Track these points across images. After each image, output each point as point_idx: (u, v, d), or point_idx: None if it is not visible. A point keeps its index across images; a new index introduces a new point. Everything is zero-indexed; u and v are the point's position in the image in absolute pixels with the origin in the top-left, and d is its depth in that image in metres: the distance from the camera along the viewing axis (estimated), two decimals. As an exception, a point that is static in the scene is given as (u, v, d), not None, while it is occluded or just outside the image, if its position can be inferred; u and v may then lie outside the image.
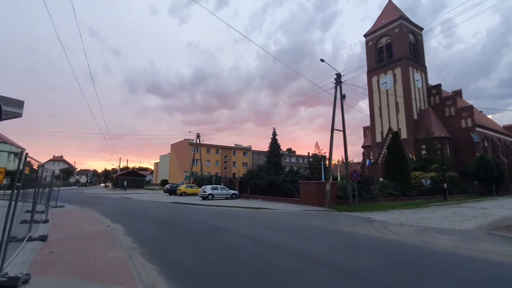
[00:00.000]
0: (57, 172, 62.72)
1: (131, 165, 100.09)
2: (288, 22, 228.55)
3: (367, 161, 54.08)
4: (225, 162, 66.53)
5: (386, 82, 53.10)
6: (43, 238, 7.06)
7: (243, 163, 70.43)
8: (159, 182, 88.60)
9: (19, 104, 14.18)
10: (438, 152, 39.61)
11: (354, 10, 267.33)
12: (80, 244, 7.05)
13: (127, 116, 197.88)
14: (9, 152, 41.61)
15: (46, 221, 10.02)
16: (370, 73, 56.30)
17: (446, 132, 46.94)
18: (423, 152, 42.93)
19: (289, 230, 9.80)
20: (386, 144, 50.34)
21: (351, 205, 19.12)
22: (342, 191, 20.00)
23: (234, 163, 68.41)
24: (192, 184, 34.42)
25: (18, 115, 14.18)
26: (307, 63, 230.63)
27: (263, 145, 73.89)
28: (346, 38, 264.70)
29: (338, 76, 20.70)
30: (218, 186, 26.51)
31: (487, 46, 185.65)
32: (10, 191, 4.49)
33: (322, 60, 19.69)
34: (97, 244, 7.03)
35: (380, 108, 54.03)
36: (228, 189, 26.87)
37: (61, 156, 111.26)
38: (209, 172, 54.42)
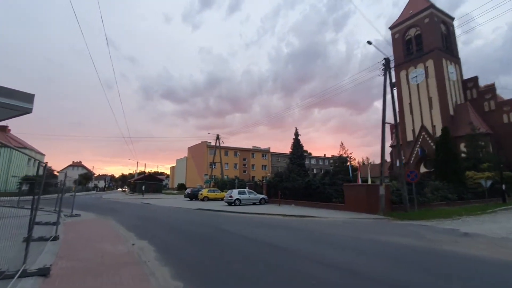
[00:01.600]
0: (76, 177, 62.45)
1: (147, 170, 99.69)
2: (300, 23, 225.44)
3: (397, 161, 50.32)
4: (244, 165, 64.21)
5: (416, 76, 49.38)
6: (44, 272, 4.79)
7: (262, 165, 67.91)
8: (175, 186, 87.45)
9: (29, 98, 12.32)
10: (482, 149, 35.67)
11: (368, 9, 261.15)
12: (97, 281, 4.73)
13: (142, 122, 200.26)
14: (30, 157, 41.07)
15: (55, 238, 7.84)
16: (398, 67, 52.61)
17: (487, 127, 42.79)
18: (463, 150, 39.03)
19: (377, 253, 7.13)
20: (419, 142, 46.67)
21: (407, 212, 16.19)
22: (396, 195, 17.09)
23: (253, 165, 66.01)
24: (214, 188, 32.21)
25: (28, 111, 12.31)
26: (320, 64, 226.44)
27: (279, 148, 71.38)
28: (360, 37, 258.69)
29: (387, 61, 17.91)
30: (246, 190, 24.09)
31: (508, 42, 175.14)
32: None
33: (369, 43, 16.99)
34: (122, 282, 4.68)
35: (410, 104, 50.32)
36: (256, 193, 24.39)
37: (80, 162, 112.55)
38: (227, 176, 52.22)
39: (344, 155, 47.74)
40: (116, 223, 12.52)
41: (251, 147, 68.77)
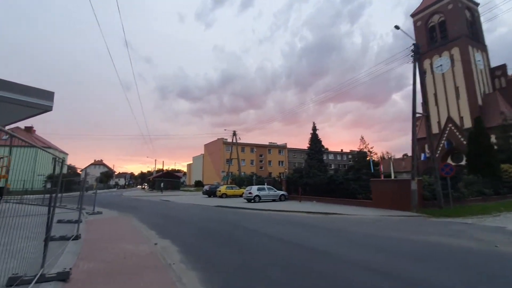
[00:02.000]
0: (97, 175, 64.52)
1: (165, 167, 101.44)
2: (314, 17, 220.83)
3: (422, 155, 48.08)
4: (261, 161, 63.67)
5: (441, 65, 46.78)
6: (63, 277, 4.38)
7: (279, 161, 67.08)
8: (192, 183, 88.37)
9: (49, 95, 12.23)
10: (512, 140, 33.29)
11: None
12: (119, 285, 4.27)
13: (159, 121, 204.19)
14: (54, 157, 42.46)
15: (76, 237, 7.55)
16: (421, 55, 50.03)
17: (518, 117, 39.85)
18: (493, 141, 36.57)
19: (436, 258, 6.11)
20: (446, 134, 44.20)
21: (442, 208, 15.02)
22: (428, 190, 15.91)
23: (269, 161, 65.34)
24: (233, 185, 31.87)
25: (48, 108, 12.24)
26: (335, 57, 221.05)
27: (294, 143, 70.10)
28: (377, 29, 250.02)
29: (416, 47, 16.67)
30: (265, 186, 23.51)
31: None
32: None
33: (396, 27, 15.81)
34: (146, 287, 4.20)
35: (435, 94, 47.81)
36: (275, 190, 23.74)
37: (101, 160, 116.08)
38: (244, 172, 51.89)
39: (365, 150, 46.07)
40: (137, 220, 12.28)
41: (267, 143, 68.05)
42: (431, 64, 48.72)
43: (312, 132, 45.96)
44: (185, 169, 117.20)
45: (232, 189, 30.77)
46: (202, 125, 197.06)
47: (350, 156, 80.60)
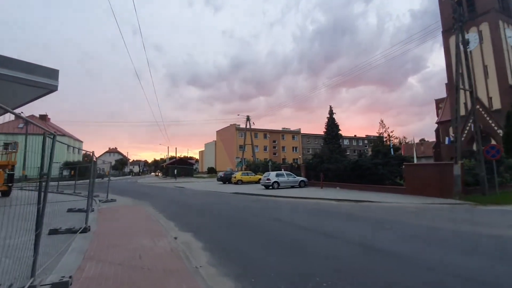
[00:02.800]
0: (112, 162, 64.53)
1: (177, 154, 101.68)
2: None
3: (446, 139, 45.35)
4: (274, 147, 62.36)
5: (469, 42, 43.20)
6: (63, 286, 3.30)
7: (293, 147, 65.56)
8: (205, 170, 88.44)
9: (53, 73, 11.16)
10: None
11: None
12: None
13: (170, 109, 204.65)
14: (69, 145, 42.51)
15: (85, 230, 6.57)
16: (447, 32, 46.34)
17: (554, 98, 36.57)
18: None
19: None
20: (473, 116, 41.37)
21: (486, 195, 13.44)
22: (470, 175, 14.29)
23: (283, 147, 63.93)
24: (248, 171, 30.86)
25: (53, 88, 11.22)
26: (348, 40, 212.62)
27: (306, 130, 67.83)
28: (392, 9, 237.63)
29: (458, 13, 14.57)
30: (284, 172, 22.32)
31: None
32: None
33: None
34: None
35: (461, 74, 44.42)
36: (295, 176, 22.52)
37: (115, 148, 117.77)
38: (258, 158, 50.81)
39: (384, 134, 43.93)
40: (153, 209, 11.36)
41: (280, 129, 66.46)
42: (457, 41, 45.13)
43: (328, 116, 44.09)
44: (197, 156, 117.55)
45: (248, 175, 29.77)
46: (213, 112, 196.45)
47: (366, 141, 78.12)
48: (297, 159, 61.28)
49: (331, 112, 44.12)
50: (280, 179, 21.53)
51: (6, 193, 13.95)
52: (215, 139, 74.71)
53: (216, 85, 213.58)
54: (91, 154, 9.47)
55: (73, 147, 51.06)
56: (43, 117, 51.40)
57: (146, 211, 10.68)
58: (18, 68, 9.53)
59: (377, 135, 40.69)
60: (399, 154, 31.69)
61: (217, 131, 69.42)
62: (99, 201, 12.97)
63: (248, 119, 40.88)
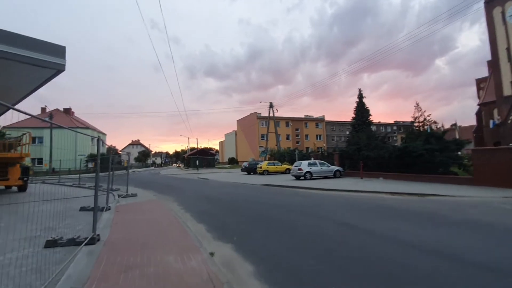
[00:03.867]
0: (135, 154, 65.74)
1: (199, 145, 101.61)
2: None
3: (491, 122, 40.85)
4: (297, 136, 59.80)
5: (517, 13, 37.80)
6: None
7: (317, 135, 62.64)
8: (225, 160, 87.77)
9: (60, 51, 9.64)
10: None
11: None
12: None
13: (189, 102, 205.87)
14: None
15: (92, 241, 4.94)
16: (490, 3, 41.01)
17: None
18: None
19: None
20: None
21: None
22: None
23: (306, 136, 61.21)
24: (274, 161, 28.95)
25: (61, 68, 9.74)
26: (370, 22, 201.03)
27: (327, 117, 63.84)
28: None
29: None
30: (317, 161, 20.17)
31: None
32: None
33: None
34: None
35: (508, 49, 39.26)
36: (329, 165, 20.31)
37: (138, 140, 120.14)
38: (281, 147, 48.69)
39: (420, 118, 40.06)
40: (178, 206, 9.77)
41: (303, 116, 63.59)
42: (502, 13, 39.79)
43: (357, 100, 40.85)
44: (216, 147, 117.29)
45: (274, 165, 27.86)
46: (231, 103, 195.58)
47: (394, 128, 73.47)
48: (321, 147, 58.50)
49: (360, 96, 40.79)
50: (313, 169, 19.43)
51: (22, 188, 13.03)
52: (236, 129, 73.21)
53: (233, 76, 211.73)
54: (100, 141, 7.92)
55: (97, 139, 51.49)
56: (67, 111, 52.11)
57: (170, 208, 9.08)
58: (20, 44, 7.99)
59: (412, 119, 36.86)
60: (455, 138, 28.31)
61: (237, 121, 67.77)
62: (118, 196, 11.62)
63: (271, 106, 38.67)
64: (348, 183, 15.65)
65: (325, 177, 19.81)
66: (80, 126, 47.80)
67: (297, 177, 20.06)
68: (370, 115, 40.11)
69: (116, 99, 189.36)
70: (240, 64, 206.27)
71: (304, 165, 19.42)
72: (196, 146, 60.32)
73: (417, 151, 15.27)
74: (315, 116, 64.41)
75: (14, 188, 13.56)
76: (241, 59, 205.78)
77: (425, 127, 35.93)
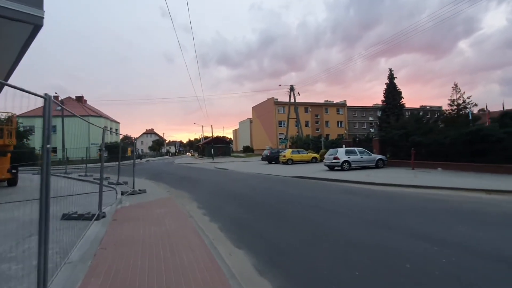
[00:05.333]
0: (150, 143, 64.54)
1: (210, 134, 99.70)
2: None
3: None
4: (316, 122, 56.23)
5: None
6: None
7: (337, 122, 58.81)
8: (240, 149, 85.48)
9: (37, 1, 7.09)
10: None
11: None
12: None
13: (202, 90, 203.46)
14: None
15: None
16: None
17: None
18: None
19: None
20: None
21: None
22: None
23: (326, 122, 57.51)
24: (299, 149, 26.07)
25: (39, 22, 7.21)
26: (389, 3, 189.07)
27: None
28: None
29: None
30: (356, 149, 17.17)
31: None
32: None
33: None
34: None
35: None
36: (370, 153, 17.25)
37: (152, 129, 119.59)
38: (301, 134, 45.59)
39: (459, 101, 35.75)
40: (200, 210, 7.21)
41: (322, 101, 59.74)
42: None
43: (388, 82, 36.75)
44: (229, 136, 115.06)
45: (299, 153, 24.98)
46: (243, 91, 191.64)
47: (421, 113, 68.31)
48: (342, 134, 54.89)
49: (391, 77, 36.64)
50: (352, 157, 16.46)
51: (12, 182, 10.90)
52: (251, 117, 70.28)
53: (245, 63, 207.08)
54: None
55: (110, 129, 50.16)
56: (79, 99, 50.74)
57: (189, 213, 6.52)
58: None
59: (449, 102, 32.71)
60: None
61: (252, 107, 64.65)
62: (122, 193, 9.20)
63: (292, 89, 35.41)
64: (402, 176, 12.67)
65: (362, 167, 16.84)
66: (92, 115, 46.32)
67: (331, 167, 17.23)
68: (402, 97, 36.09)
69: (131, 89, 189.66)
70: (252, 51, 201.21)
71: (341, 153, 16.48)
72: (211, 135, 58.06)
73: (494, 135, 12.00)
74: (335, 101, 60.39)
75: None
76: (253, 46, 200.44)
77: (466, 110, 31.75)
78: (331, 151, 17.73)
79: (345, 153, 16.53)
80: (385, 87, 37.14)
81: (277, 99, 53.78)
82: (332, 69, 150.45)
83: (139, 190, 9.63)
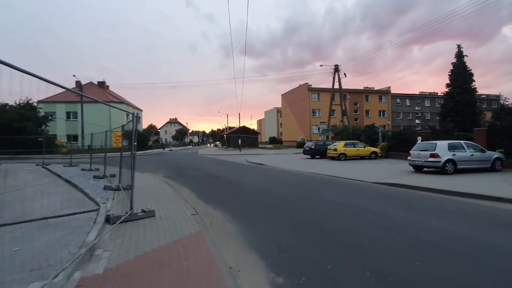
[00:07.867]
0: (173, 133, 62.45)
1: (235, 124, 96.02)
2: None
3: None
4: (355, 111, 49.90)
5: None
6: None
7: (379, 111, 51.96)
8: (265, 140, 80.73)
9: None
10: None
11: None
12: None
13: (224, 81, 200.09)
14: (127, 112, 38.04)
15: None
16: None
17: None
18: None
19: None
20: None
21: None
22: None
23: (367, 112, 50.90)
24: (354, 141, 20.79)
25: None
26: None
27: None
28: None
29: None
30: (462, 142, 11.82)
31: None
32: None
33: None
34: None
35: None
36: (484, 150, 11.78)
37: (176, 119, 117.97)
38: (340, 125, 39.91)
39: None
40: (257, 256, 2.62)
41: (362, 88, 53.02)
42: None
43: (455, 61, 30.03)
44: (252, 126, 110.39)
45: (354, 146, 19.75)
46: (266, 82, 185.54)
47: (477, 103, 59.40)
48: (385, 125, 48.32)
49: (459, 54, 29.84)
50: (458, 155, 11.13)
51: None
52: (280, 106, 64.98)
53: (269, 53, 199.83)
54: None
55: (132, 114, 47.42)
56: (101, 84, 48.31)
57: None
58: None
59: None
60: None
61: (282, 95, 59.13)
62: (108, 219, 4.79)
63: (336, 69, 29.79)
64: None
65: (474, 170, 11.45)
66: (114, 101, 43.55)
67: (419, 168, 12.12)
68: (473, 80, 29.27)
69: (156, 78, 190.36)
70: (276, 40, 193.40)
71: (442, 149, 11.16)
72: (238, 124, 53.78)
73: None
74: (376, 88, 53.42)
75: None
76: (277, 35, 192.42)
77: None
78: (421, 144, 12.44)
79: (448, 149, 11.20)
80: (451, 68, 30.43)
81: (310, 85, 48.08)
82: (360, 58, 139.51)
83: (143, 210, 5.22)
